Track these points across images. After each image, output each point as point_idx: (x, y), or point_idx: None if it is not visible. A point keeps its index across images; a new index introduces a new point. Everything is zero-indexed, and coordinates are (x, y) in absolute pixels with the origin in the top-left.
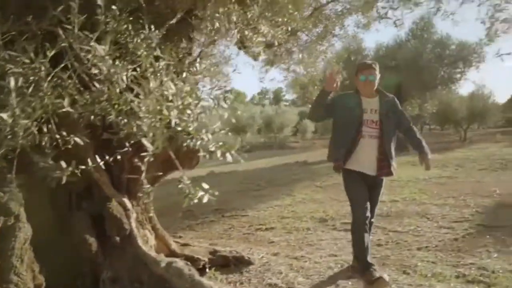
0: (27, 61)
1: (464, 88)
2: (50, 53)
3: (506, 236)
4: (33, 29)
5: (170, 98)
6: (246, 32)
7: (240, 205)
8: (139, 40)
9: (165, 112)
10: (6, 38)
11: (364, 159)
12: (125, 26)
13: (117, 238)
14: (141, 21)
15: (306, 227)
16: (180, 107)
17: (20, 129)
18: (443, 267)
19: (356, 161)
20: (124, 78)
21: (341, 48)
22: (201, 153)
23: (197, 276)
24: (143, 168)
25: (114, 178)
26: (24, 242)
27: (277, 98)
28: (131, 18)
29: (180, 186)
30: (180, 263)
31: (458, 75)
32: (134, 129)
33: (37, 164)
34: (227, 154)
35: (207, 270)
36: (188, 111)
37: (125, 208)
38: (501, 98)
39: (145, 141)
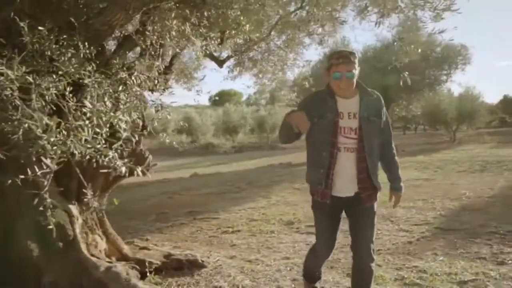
0: None
1: (456, 89)
2: None
3: (458, 239)
4: None
5: (89, 115)
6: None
7: (214, 207)
8: (67, 57)
9: (80, 131)
10: None
11: (339, 179)
12: (56, 45)
13: (60, 244)
14: (74, 38)
15: (271, 230)
16: (94, 124)
17: None
18: (387, 270)
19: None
20: (34, 97)
21: (329, 49)
22: (106, 170)
23: (134, 280)
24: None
25: (63, 186)
26: None
27: (273, 98)
28: (64, 36)
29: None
30: (119, 267)
31: (444, 77)
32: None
33: None
34: (136, 170)
35: (148, 274)
36: (105, 128)
37: (70, 215)
38: (493, 99)
39: (43, 159)
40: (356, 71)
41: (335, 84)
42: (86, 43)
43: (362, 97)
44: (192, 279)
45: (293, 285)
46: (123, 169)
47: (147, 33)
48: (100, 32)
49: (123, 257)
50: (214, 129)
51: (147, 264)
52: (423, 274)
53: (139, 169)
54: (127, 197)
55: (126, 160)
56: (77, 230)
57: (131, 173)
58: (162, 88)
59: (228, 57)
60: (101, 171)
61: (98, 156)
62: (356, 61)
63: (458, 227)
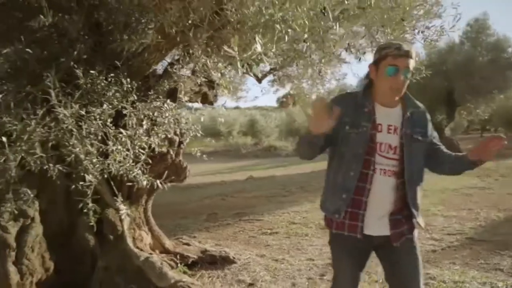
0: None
1: None
2: (41, 112)
3: (485, 250)
4: (30, 91)
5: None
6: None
7: (261, 210)
8: (112, 92)
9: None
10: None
11: (372, 210)
12: (104, 81)
13: (111, 237)
14: (119, 76)
15: (306, 233)
16: (127, 147)
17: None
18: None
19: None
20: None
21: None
22: (131, 183)
23: (165, 269)
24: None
25: (115, 189)
26: (36, 236)
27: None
28: (111, 75)
29: None
30: (155, 258)
31: None
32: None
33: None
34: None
35: (178, 265)
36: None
37: (119, 213)
38: None
39: (86, 175)
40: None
41: (384, 83)
42: (128, 79)
43: (406, 109)
44: (221, 272)
45: (307, 283)
46: (144, 182)
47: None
48: (140, 69)
49: (165, 251)
50: (278, 132)
51: (186, 257)
52: (431, 281)
53: (158, 181)
54: (185, 197)
55: (146, 175)
56: (125, 226)
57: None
58: (211, 101)
59: (265, 75)
60: (127, 184)
61: (127, 173)
62: (414, 56)
63: (490, 238)
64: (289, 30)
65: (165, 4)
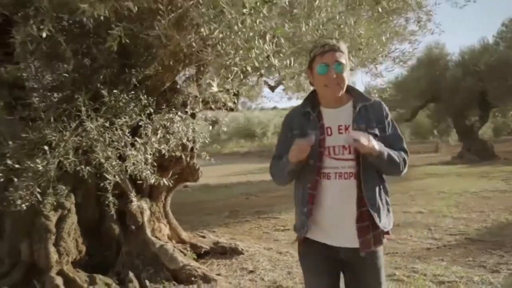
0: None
1: None
2: (74, 124)
3: (478, 250)
4: (66, 108)
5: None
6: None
7: (279, 208)
8: (131, 107)
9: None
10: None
11: (328, 219)
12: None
13: (133, 227)
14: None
15: None
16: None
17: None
18: (387, 268)
19: (316, 224)
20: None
21: (421, 53)
22: (141, 181)
23: (176, 254)
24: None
25: (138, 187)
26: (71, 224)
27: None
28: (132, 92)
29: None
30: (168, 246)
31: None
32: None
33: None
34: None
35: (188, 253)
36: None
37: (140, 207)
38: None
39: (106, 175)
40: (348, 67)
41: (319, 83)
42: (146, 95)
43: (357, 104)
44: (229, 261)
45: (301, 272)
46: (152, 181)
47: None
48: (156, 86)
49: (181, 241)
50: None
51: (199, 247)
52: (414, 274)
53: (164, 179)
54: (212, 196)
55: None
56: (145, 218)
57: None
58: (231, 107)
59: (277, 85)
60: (138, 181)
61: (140, 173)
62: (347, 52)
63: (489, 239)
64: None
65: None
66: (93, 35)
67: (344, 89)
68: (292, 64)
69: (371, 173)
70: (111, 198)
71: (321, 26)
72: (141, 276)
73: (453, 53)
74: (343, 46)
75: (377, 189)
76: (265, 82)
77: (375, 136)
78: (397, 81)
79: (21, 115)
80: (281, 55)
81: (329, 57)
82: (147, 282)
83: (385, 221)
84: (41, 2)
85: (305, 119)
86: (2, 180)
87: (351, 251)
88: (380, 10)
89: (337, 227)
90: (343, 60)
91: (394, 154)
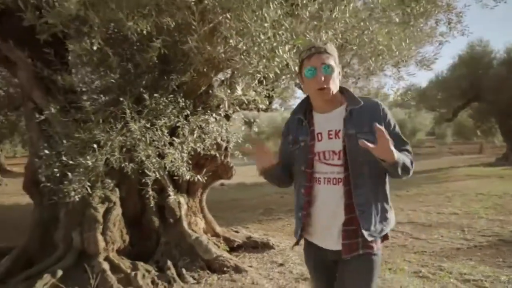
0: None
1: None
2: (120, 125)
3: (510, 251)
4: (113, 110)
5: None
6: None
7: None
8: (170, 109)
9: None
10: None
11: (319, 222)
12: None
13: (171, 220)
14: (176, 97)
15: None
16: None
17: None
18: (413, 266)
19: (310, 226)
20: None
21: (463, 51)
22: (178, 177)
23: (210, 246)
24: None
25: (177, 183)
26: (117, 216)
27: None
28: (171, 96)
29: None
30: (203, 238)
31: None
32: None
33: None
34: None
35: (221, 245)
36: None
37: (178, 202)
38: None
39: (147, 171)
40: (337, 68)
41: (308, 87)
42: (183, 98)
43: (349, 107)
44: (260, 255)
45: None
46: (188, 177)
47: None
48: (192, 90)
49: (215, 234)
50: None
51: (232, 241)
52: (440, 272)
53: (199, 176)
54: (248, 194)
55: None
56: (182, 212)
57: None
58: (264, 108)
59: None
60: (175, 177)
61: (177, 170)
62: (335, 54)
63: None
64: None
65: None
66: (136, 44)
67: (334, 91)
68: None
69: (363, 179)
70: (151, 192)
71: (340, 35)
72: (178, 265)
73: (498, 50)
74: (331, 48)
75: (370, 195)
76: (296, 84)
77: (367, 141)
78: (438, 80)
79: (74, 117)
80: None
81: (315, 60)
82: (183, 270)
83: (377, 228)
84: (93, 20)
85: (298, 125)
86: (57, 174)
87: (336, 254)
88: (409, 11)
89: (326, 230)
90: (331, 62)
91: (407, 159)
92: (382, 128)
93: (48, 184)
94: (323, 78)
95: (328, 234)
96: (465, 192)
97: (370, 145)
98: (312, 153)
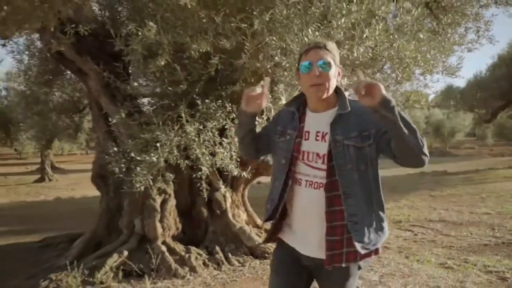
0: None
1: None
2: (177, 127)
3: None
4: (170, 114)
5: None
6: None
7: None
8: (219, 113)
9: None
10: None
11: (298, 226)
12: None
13: (218, 211)
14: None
15: None
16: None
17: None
18: (439, 258)
19: (288, 226)
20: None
21: (503, 51)
22: (227, 172)
23: (252, 235)
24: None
25: (223, 178)
26: (171, 206)
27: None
28: (219, 101)
29: None
30: (246, 228)
31: None
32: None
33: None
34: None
35: (262, 235)
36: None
37: (224, 196)
38: None
39: (201, 167)
40: (334, 67)
41: (304, 83)
42: (230, 104)
43: (337, 112)
44: None
45: None
46: (235, 173)
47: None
48: (238, 96)
49: (256, 226)
50: None
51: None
52: (465, 264)
53: (245, 172)
54: None
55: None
56: (228, 205)
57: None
58: None
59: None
60: (225, 173)
61: (226, 167)
62: (336, 53)
63: None
64: None
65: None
66: (198, 61)
67: (330, 91)
68: (345, 81)
69: (354, 187)
70: (204, 185)
71: (371, 50)
72: (225, 250)
73: None
74: (331, 45)
75: (362, 204)
76: None
77: (352, 147)
78: (476, 81)
79: (138, 120)
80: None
81: (312, 54)
82: (230, 255)
83: (371, 238)
84: (164, 43)
85: (290, 118)
86: (123, 169)
87: (312, 261)
88: (436, 23)
89: (303, 234)
90: (328, 58)
91: (411, 122)
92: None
93: (121, 176)
94: (317, 73)
95: (307, 241)
96: (501, 194)
97: (362, 93)
98: (297, 151)
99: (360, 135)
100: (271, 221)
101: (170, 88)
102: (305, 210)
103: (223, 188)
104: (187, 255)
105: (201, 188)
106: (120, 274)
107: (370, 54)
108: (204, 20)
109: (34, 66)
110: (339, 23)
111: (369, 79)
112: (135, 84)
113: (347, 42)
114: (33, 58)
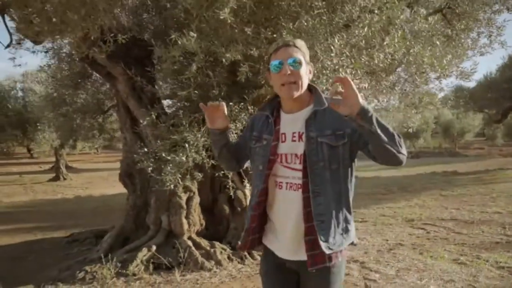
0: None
1: None
2: (203, 129)
3: None
4: (196, 116)
5: None
6: None
7: (358, 204)
8: (242, 116)
9: None
10: None
11: (278, 229)
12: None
13: (239, 209)
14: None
15: (391, 223)
16: None
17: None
18: (452, 254)
19: (270, 232)
20: None
21: None
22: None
23: None
24: None
25: (242, 178)
26: (196, 203)
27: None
28: (242, 104)
29: None
30: None
31: None
32: None
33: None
34: None
35: None
36: None
37: (244, 194)
38: None
39: None
40: (305, 64)
41: (275, 82)
42: (252, 106)
43: (313, 109)
44: None
45: (375, 254)
46: None
47: None
48: (260, 98)
49: None
50: None
51: None
52: (477, 260)
53: None
54: None
55: None
56: (247, 201)
57: None
58: None
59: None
60: (250, 172)
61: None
62: (305, 50)
63: None
64: None
65: None
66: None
67: (303, 89)
68: (367, 86)
69: (323, 186)
70: (231, 183)
71: (390, 56)
72: None
73: None
74: (300, 43)
75: (331, 203)
76: None
77: (326, 145)
78: (487, 81)
79: (165, 122)
80: (356, 80)
81: (282, 53)
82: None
83: (337, 240)
84: (198, 51)
85: (265, 122)
86: (151, 168)
87: (295, 263)
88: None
89: (284, 238)
90: (299, 56)
91: (389, 126)
92: (347, 76)
93: (152, 174)
94: (288, 72)
95: (289, 243)
96: (511, 193)
97: (337, 105)
98: (274, 154)
99: (334, 134)
100: (244, 232)
101: (196, 92)
102: (286, 213)
103: (248, 186)
104: (212, 250)
105: (227, 186)
106: (151, 266)
107: (389, 60)
108: (236, 30)
109: (63, 70)
110: (361, 31)
111: (351, 86)
112: (160, 87)
113: (369, 50)
114: (62, 62)
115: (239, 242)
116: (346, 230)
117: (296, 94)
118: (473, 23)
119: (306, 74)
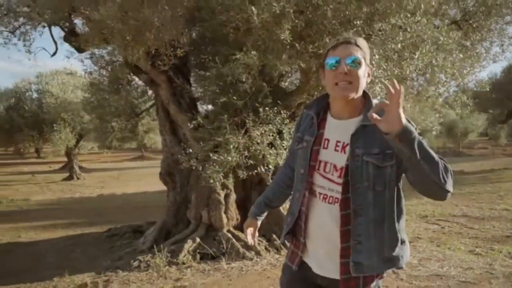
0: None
1: None
2: (242, 131)
3: None
4: (235, 121)
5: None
6: None
7: None
8: (276, 120)
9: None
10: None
11: (312, 242)
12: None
13: None
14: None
15: (406, 219)
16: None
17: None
18: (468, 246)
19: (303, 242)
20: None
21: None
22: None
23: None
24: None
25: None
26: (232, 200)
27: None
28: (274, 108)
29: None
30: None
31: None
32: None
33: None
34: None
35: None
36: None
37: None
38: None
39: (270, 166)
40: (364, 65)
41: (329, 81)
42: (285, 110)
43: (362, 122)
44: None
45: None
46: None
47: None
48: (291, 103)
49: None
50: None
51: None
52: (491, 251)
53: None
54: None
55: None
56: None
57: None
58: None
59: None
60: None
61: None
62: (367, 50)
63: None
64: None
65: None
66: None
67: (358, 92)
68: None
69: (366, 207)
70: (270, 180)
71: (419, 66)
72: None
73: None
74: (362, 42)
75: (372, 226)
76: None
77: (371, 165)
78: (491, 82)
79: (207, 126)
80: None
81: (341, 50)
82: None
83: (373, 263)
84: (253, 66)
85: (309, 123)
86: (199, 167)
87: (328, 281)
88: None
89: (316, 252)
90: (359, 55)
91: (434, 153)
92: (402, 87)
93: (199, 170)
94: (345, 70)
95: (321, 259)
96: None
97: (378, 117)
98: (315, 160)
99: (383, 153)
100: (285, 237)
101: (234, 98)
102: (320, 226)
103: None
104: None
105: (268, 183)
106: (197, 256)
107: (417, 71)
108: (287, 46)
109: (106, 76)
110: (393, 46)
111: (398, 99)
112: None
113: (402, 62)
114: (104, 69)
115: (283, 234)
116: (389, 259)
117: (351, 95)
118: (486, 33)
119: (364, 76)
